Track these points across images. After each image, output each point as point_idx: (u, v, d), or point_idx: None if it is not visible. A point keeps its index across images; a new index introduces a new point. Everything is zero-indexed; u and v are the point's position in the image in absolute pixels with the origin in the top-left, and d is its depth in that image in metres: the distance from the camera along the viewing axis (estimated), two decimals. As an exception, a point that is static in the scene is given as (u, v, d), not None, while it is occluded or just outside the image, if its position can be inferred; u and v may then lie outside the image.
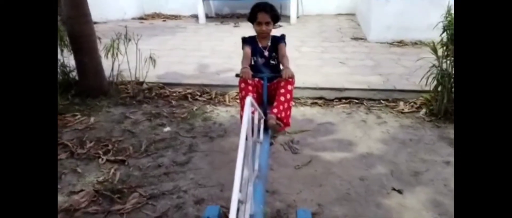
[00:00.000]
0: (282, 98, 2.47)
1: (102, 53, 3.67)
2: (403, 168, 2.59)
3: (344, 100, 3.79)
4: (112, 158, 2.64)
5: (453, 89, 3.20)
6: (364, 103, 3.73)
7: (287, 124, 2.54)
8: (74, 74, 3.72)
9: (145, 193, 2.25)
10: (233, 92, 3.83)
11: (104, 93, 3.68)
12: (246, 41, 2.67)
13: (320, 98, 3.84)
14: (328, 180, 2.47)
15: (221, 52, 5.48)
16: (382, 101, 3.74)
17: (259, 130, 2.11)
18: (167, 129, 3.13)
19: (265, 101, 2.46)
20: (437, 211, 2.13)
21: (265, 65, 2.68)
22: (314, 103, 3.76)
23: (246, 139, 1.25)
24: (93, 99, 3.60)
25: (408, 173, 2.53)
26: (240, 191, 1.13)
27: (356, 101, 3.78)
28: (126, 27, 3.82)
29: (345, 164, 2.65)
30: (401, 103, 3.66)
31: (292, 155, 2.79)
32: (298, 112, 3.57)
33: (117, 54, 3.64)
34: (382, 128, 3.22)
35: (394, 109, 3.58)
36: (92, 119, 3.27)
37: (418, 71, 3.52)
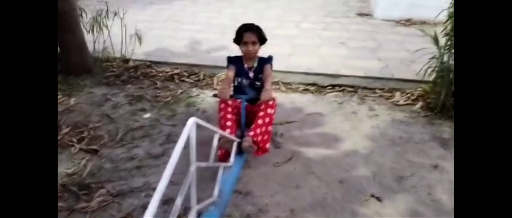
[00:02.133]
0: (259, 122, 2.34)
1: (87, 27, 3.50)
2: (386, 171, 2.46)
3: (337, 88, 3.60)
4: (86, 147, 2.56)
5: (452, 83, 2.99)
6: (358, 92, 3.54)
7: (264, 149, 2.41)
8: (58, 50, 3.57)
9: (113, 190, 2.19)
10: (222, 74, 3.67)
11: (87, 71, 3.55)
12: (231, 61, 2.54)
13: (313, 84, 3.66)
14: (307, 181, 2.36)
15: (216, 27, 5.24)
16: (377, 90, 3.55)
17: (229, 154, 2.01)
18: (147, 115, 3.02)
19: (243, 124, 2.37)
20: (414, 224, 2.03)
21: (250, 86, 2.55)
22: (306, 90, 3.59)
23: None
24: (76, 78, 3.48)
25: (391, 177, 2.41)
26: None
27: (350, 89, 3.59)
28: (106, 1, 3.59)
29: (326, 162, 2.54)
30: (397, 94, 3.46)
31: (274, 149, 2.68)
32: (287, 99, 3.41)
33: (101, 29, 3.46)
34: (373, 122, 3.06)
35: (389, 100, 3.39)
36: (72, 100, 3.17)
37: (421, 57, 3.27)
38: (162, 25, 5.28)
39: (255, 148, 2.32)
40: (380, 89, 3.54)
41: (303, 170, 2.45)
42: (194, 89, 3.48)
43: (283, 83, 3.66)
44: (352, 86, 3.60)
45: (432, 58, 3.00)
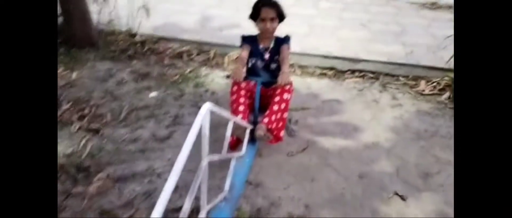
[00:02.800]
0: (275, 108, 2.12)
1: (92, -2, 3.27)
2: (411, 167, 2.25)
3: (357, 74, 3.35)
4: (87, 126, 2.39)
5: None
6: (380, 79, 3.29)
7: (278, 138, 2.20)
8: (61, 20, 3.36)
9: (114, 174, 2.02)
10: (234, 53, 3.43)
11: (91, 44, 3.35)
12: (245, 40, 2.31)
13: (331, 68, 3.41)
14: (323, 173, 2.17)
15: (229, 2, 4.95)
16: (401, 78, 3.28)
17: (240, 142, 1.81)
18: (153, 94, 2.83)
19: (257, 109, 2.15)
20: (443, 229, 1.83)
21: (264, 69, 2.33)
22: (323, 75, 3.35)
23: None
24: (79, 51, 3.29)
25: (416, 173, 2.20)
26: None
27: (371, 75, 3.33)
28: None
29: (345, 154, 2.33)
30: (423, 82, 3.19)
31: (287, 137, 2.47)
32: (303, 84, 3.18)
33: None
34: (396, 112, 2.82)
35: (414, 89, 3.13)
36: (74, 74, 2.99)
37: (449, 45, 3.00)
38: (171, -1, 5.01)
39: (270, 136, 2.12)
40: (404, 76, 3.28)
41: (319, 162, 2.25)
42: (203, 68, 3.26)
43: (299, 66, 3.42)
44: (373, 72, 3.34)
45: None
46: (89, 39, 3.34)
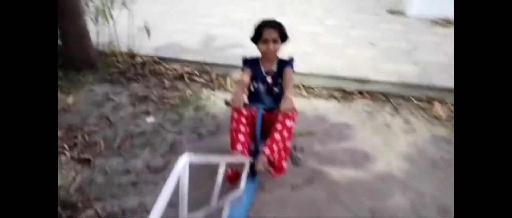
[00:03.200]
0: (277, 136, 1.95)
1: (91, 17, 3.19)
2: (428, 201, 2.04)
3: (367, 95, 3.17)
4: (78, 156, 2.24)
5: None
6: (391, 101, 3.10)
7: (280, 169, 2.03)
8: (58, 42, 3.28)
9: (102, 211, 1.86)
10: (237, 74, 3.29)
11: (90, 66, 3.25)
12: (246, 63, 2.18)
13: (338, 89, 3.24)
14: (331, 209, 1.97)
15: (234, 21, 4.85)
16: (413, 100, 3.09)
17: (239, 175, 1.64)
18: (150, 119, 2.69)
19: (258, 137, 1.98)
20: None
21: (267, 93, 2.18)
22: (330, 96, 3.18)
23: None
24: (77, 73, 3.18)
25: (433, 209, 1.99)
26: None
27: (382, 97, 3.15)
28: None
29: (355, 187, 2.13)
30: (437, 105, 3.00)
31: (292, 167, 2.29)
32: (309, 106, 3.01)
33: (107, 19, 3.15)
34: (409, 138, 2.62)
35: (428, 112, 2.94)
36: (70, 99, 2.87)
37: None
38: (176, 17, 4.94)
39: (272, 170, 1.95)
40: (417, 98, 3.09)
41: (327, 196, 2.06)
42: (204, 90, 3.12)
43: (304, 86, 3.26)
44: (383, 94, 3.16)
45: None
46: (87, 61, 3.24)
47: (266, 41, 2.05)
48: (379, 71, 3.44)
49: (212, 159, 1.16)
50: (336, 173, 2.25)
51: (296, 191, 2.09)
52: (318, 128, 2.72)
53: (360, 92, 3.19)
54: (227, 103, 1.98)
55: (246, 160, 1.75)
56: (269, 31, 2.05)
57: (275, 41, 2.06)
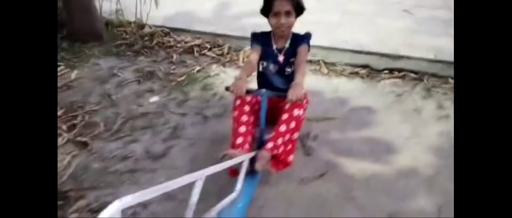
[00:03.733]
0: (282, 128, 1.70)
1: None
2: (459, 206, 1.76)
3: (396, 73, 2.80)
4: (75, 138, 2.13)
5: None
6: (425, 80, 2.73)
7: (285, 163, 1.79)
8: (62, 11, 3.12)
9: (95, 202, 1.75)
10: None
11: (96, 37, 3.08)
12: (255, 39, 1.90)
13: (364, 66, 2.89)
14: (342, 209, 1.75)
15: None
16: (451, 80, 2.70)
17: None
18: (154, 98, 2.51)
19: (262, 128, 1.73)
20: None
21: (278, 74, 1.92)
22: (354, 74, 2.84)
23: None
24: (83, 45, 3.03)
25: (465, 216, 1.71)
26: None
27: (414, 76, 2.78)
28: None
29: (373, 185, 1.88)
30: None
31: (303, 156, 2.07)
32: (329, 86, 2.71)
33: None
34: (442, 126, 2.29)
35: (466, 95, 2.55)
36: (73, 74, 2.74)
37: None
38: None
39: (273, 169, 1.74)
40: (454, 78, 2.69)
41: (340, 193, 1.83)
42: (214, 66, 2.89)
43: (325, 63, 2.93)
44: (416, 73, 2.78)
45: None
46: (93, 32, 3.07)
47: (277, 14, 1.77)
48: (413, 45, 3.02)
49: (163, 188, 0.87)
50: (353, 166, 1.99)
51: (305, 185, 1.87)
52: (337, 112, 2.44)
53: (390, 71, 2.82)
54: (227, 89, 1.74)
55: (243, 157, 1.54)
56: (280, 3, 1.75)
57: (288, 13, 1.77)
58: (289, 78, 1.84)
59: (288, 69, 1.91)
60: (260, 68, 1.95)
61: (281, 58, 1.90)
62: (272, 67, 1.93)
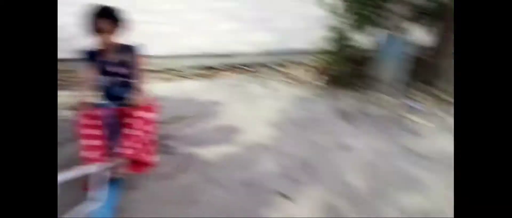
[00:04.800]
0: (135, 133, 1.76)
1: None
2: (296, 161, 2.19)
3: (233, 68, 3.20)
4: None
5: (347, 52, 2.86)
6: (256, 71, 3.21)
7: (147, 164, 1.86)
8: None
9: None
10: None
11: None
12: (86, 56, 1.87)
13: (205, 67, 3.18)
14: (206, 191, 1.93)
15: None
16: (275, 67, 3.26)
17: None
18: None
19: (114, 137, 1.75)
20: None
21: (118, 85, 1.93)
22: (198, 75, 3.09)
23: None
24: None
25: (301, 167, 2.15)
26: None
27: (247, 68, 3.23)
28: None
29: (227, 163, 2.14)
30: (298, 68, 3.23)
31: (164, 155, 2.16)
32: (176, 89, 2.87)
33: None
34: (275, 104, 2.77)
35: (290, 77, 3.14)
36: None
37: (315, 25, 3.05)
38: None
39: (136, 172, 1.78)
40: (279, 64, 3.27)
41: (202, 178, 2.01)
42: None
43: (171, 69, 3.08)
44: (248, 65, 3.24)
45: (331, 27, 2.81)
46: None
47: (100, 32, 1.79)
48: (242, 43, 3.50)
49: None
50: (209, 153, 2.21)
51: (169, 180, 1.97)
52: (187, 110, 2.62)
53: (228, 67, 3.20)
54: (73, 108, 1.68)
55: (95, 168, 1.53)
56: (101, 22, 1.78)
57: (110, 31, 1.82)
58: (130, 87, 1.91)
59: (126, 79, 1.96)
60: (100, 83, 1.94)
61: (115, 69, 1.93)
62: (111, 80, 1.94)
